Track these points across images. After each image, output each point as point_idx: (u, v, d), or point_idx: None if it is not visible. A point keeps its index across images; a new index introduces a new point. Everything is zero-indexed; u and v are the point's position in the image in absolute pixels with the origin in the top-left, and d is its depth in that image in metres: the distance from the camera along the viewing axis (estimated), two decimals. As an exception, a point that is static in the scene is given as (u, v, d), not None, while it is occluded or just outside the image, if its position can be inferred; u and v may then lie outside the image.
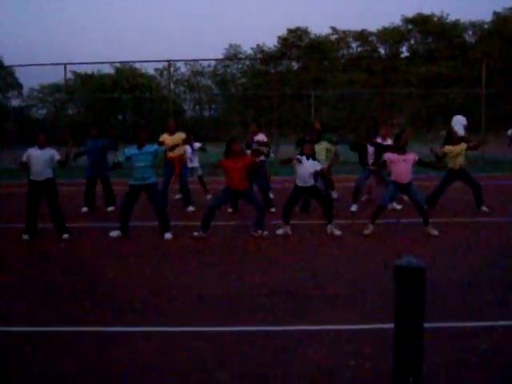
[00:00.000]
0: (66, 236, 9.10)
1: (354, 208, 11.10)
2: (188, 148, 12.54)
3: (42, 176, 9.05)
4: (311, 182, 9.13)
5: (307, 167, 9.03)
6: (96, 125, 12.30)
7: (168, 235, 9.00)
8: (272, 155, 13.43)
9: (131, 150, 9.11)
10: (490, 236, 8.87)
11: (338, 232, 8.98)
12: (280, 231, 9.12)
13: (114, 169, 9.65)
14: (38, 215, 9.15)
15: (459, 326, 5.04)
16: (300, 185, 9.12)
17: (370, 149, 11.20)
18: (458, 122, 19.78)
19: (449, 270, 6.79)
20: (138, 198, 9.16)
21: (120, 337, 5.00)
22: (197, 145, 12.80)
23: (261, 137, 11.82)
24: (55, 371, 4.29)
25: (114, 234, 9.10)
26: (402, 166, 8.90)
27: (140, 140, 9.11)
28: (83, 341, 4.91)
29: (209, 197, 12.82)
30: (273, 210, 11.13)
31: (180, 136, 11.43)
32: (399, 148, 9.03)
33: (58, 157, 9.20)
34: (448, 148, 10.96)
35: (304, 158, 9.06)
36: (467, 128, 20.27)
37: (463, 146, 10.90)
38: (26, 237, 9.06)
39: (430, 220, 8.96)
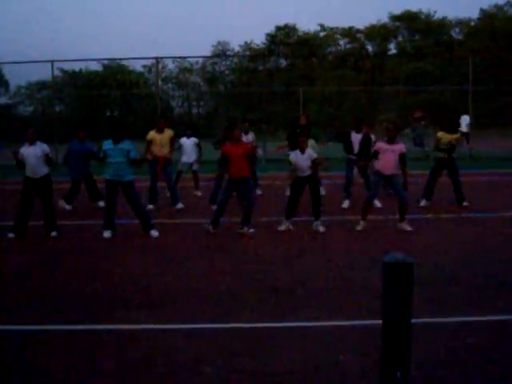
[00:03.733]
0: (54, 234, 9.04)
1: (345, 205, 11.14)
2: (186, 143, 12.45)
3: (38, 174, 8.95)
4: (309, 172, 9.14)
5: (304, 160, 9.06)
6: (83, 127, 12.25)
7: (154, 233, 8.95)
8: (261, 152, 13.44)
9: (107, 145, 8.91)
10: (477, 231, 8.95)
11: (322, 229, 9.02)
12: (282, 227, 9.16)
13: (100, 161, 9.35)
14: (30, 214, 9.06)
15: (446, 321, 5.09)
16: (300, 175, 9.15)
17: (355, 137, 11.23)
18: (464, 121, 23.47)
19: (436, 266, 6.84)
20: (118, 191, 8.98)
21: (109, 334, 5.00)
22: (192, 140, 12.65)
23: (251, 136, 11.87)
24: (44, 370, 4.29)
25: (107, 234, 8.95)
26: (388, 155, 8.97)
27: (116, 134, 8.87)
28: (72, 339, 4.91)
29: (198, 193, 12.79)
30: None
31: (169, 134, 11.39)
32: (388, 138, 9.11)
33: (47, 150, 9.07)
34: (441, 134, 11.08)
35: (299, 152, 9.10)
36: (470, 124, 23.72)
37: (456, 136, 11.07)
38: (11, 235, 8.97)
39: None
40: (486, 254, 7.44)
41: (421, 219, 9.74)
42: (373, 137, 11.19)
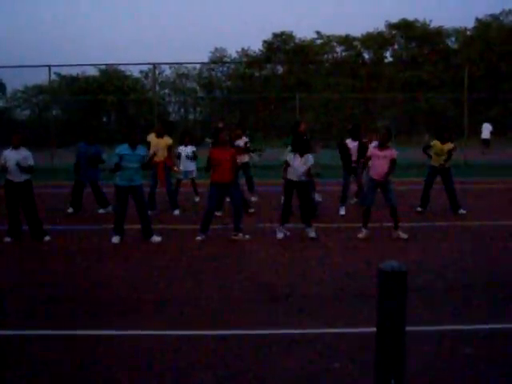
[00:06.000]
0: (47, 238, 9.02)
1: (342, 211, 11.17)
2: (183, 151, 12.45)
3: (18, 177, 8.86)
4: (304, 178, 9.15)
5: (301, 163, 9.06)
6: (93, 130, 12.32)
7: (155, 238, 8.96)
8: (256, 158, 13.36)
9: (123, 150, 8.93)
10: (472, 239, 8.99)
11: (312, 234, 9.05)
12: (280, 235, 9.13)
13: (116, 171, 9.30)
14: (19, 216, 9.05)
15: (441, 330, 5.12)
16: (293, 179, 9.10)
17: (352, 145, 11.29)
18: (486, 128, 26.53)
19: (430, 274, 6.88)
20: (128, 198, 9.00)
21: (105, 340, 5.01)
22: (190, 148, 12.64)
23: (242, 142, 11.88)
24: (37, 375, 4.30)
25: (116, 239, 8.93)
26: (380, 161, 9.03)
27: (134, 140, 8.96)
28: (68, 344, 4.92)
29: (197, 199, 12.80)
30: (251, 210, 11.29)
31: (166, 141, 11.37)
32: (380, 143, 9.20)
33: (31, 161, 8.94)
34: (434, 142, 11.22)
35: (297, 155, 9.08)
36: (493, 132, 26.75)
37: (449, 145, 11.16)
38: (8, 239, 8.96)
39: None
40: (482, 262, 7.48)
41: (416, 227, 9.78)
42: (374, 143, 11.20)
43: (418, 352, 4.46)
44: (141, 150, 9.05)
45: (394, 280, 3.21)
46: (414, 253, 8.09)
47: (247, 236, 9.04)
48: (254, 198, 12.89)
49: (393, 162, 9.07)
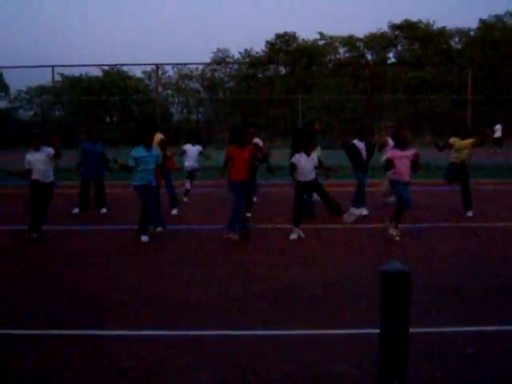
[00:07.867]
0: (35, 235, 8.96)
1: (364, 212, 11.01)
2: (191, 149, 12.41)
3: (46, 178, 9.03)
4: (313, 176, 9.14)
5: (309, 162, 9.04)
6: (94, 128, 12.34)
7: (144, 238, 8.88)
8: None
9: (140, 152, 8.87)
10: (476, 241, 8.96)
11: (294, 236, 9.02)
12: (293, 236, 9.07)
13: (125, 171, 9.13)
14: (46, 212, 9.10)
15: (444, 331, 5.09)
16: (302, 180, 9.08)
17: (361, 145, 11.23)
18: (498, 129, 28.98)
19: (435, 275, 6.85)
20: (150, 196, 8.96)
21: (105, 340, 4.99)
22: (197, 148, 12.63)
23: (258, 141, 11.84)
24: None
25: (145, 238, 8.86)
26: (402, 162, 8.83)
27: (149, 141, 8.91)
28: (70, 344, 4.90)
29: (187, 185, 12.80)
30: (249, 214, 11.19)
31: (157, 138, 11.22)
32: (400, 143, 9.01)
33: (52, 152, 9.03)
34: (454, 140, 11.03)
35: (304, 155, 9.04)
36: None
37: (470, 141, 11.00)
38: (34, 235, 8.92)
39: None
40: (486, 263, 7.44)
41: (420, 228, 9.74)
42: (390, 142, 11.07)
43: (421, 353, 4.43)
44: (155, 151, 9.07)
45: (397, 281, 3.19)
46: (418, 253, 8.04)
47: (235, 236, 8.93)
48: (255, 199, 12.85)
49: (416, 157, 8.83)
